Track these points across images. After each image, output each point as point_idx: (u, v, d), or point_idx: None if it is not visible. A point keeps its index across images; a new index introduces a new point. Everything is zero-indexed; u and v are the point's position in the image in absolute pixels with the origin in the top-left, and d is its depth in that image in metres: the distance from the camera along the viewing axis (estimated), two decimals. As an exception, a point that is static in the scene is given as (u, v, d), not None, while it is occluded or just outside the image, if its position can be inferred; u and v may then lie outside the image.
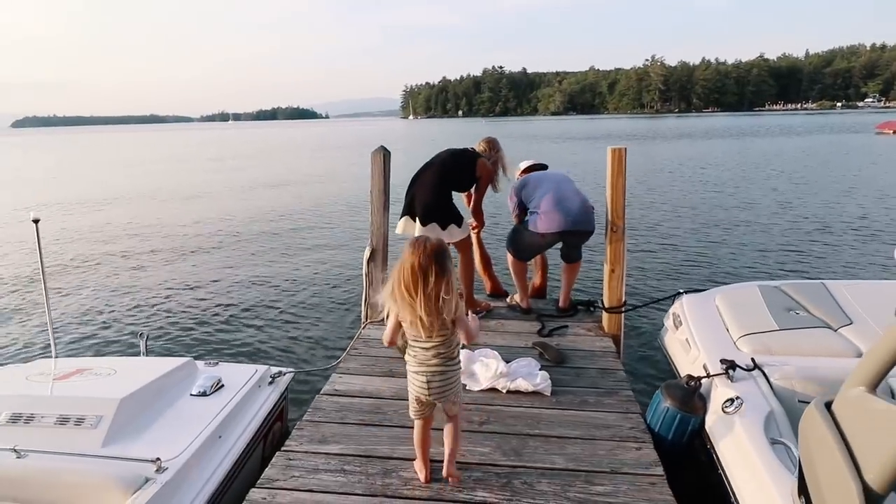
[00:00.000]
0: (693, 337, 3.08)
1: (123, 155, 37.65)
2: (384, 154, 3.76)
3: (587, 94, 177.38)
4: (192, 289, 6.44)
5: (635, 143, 30.85)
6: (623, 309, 3.74)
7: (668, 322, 3.58)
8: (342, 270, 7.02)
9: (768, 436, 2.11)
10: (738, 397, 2.36)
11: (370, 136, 54.84)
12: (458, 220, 3.79)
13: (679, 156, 22.63)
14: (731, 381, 2.50)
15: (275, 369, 3.05)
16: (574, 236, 3.83)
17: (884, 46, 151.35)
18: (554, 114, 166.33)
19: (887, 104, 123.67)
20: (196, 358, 3.08)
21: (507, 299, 4.28)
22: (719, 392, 2.50)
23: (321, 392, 2.90)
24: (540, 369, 3.04)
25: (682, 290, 3.77)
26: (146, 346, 3.32)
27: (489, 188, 4.03)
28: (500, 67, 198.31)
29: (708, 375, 2.60)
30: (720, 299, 3.38)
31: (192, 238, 9.25)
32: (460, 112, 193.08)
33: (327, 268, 7.23)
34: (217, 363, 3.07)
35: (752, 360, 2.59)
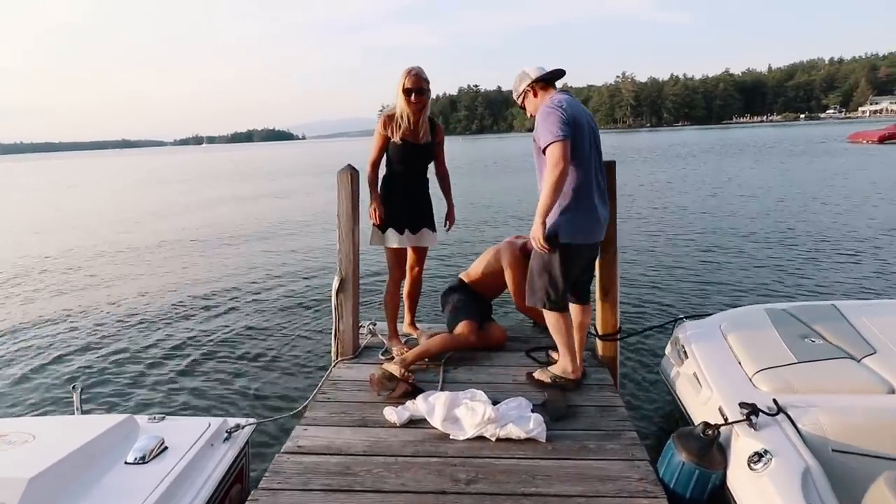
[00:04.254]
0: (703, 373, 2.76)
1: (78, 180, 36.38)
2: (351, 173, 3.41)
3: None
4: (136, 329, 5.66)
5: (618, 161, 30.84)
6: (618, 336, 3.42)
7: (671, 352, 3.25)
8: (310, 303, 6.39)
9: (807, 499, 1.80)
10: (766, 451, 2.06)
11: (341, 154, 54.38)
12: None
13: (662, 173, 22.54)
14: (755, 429, 2.19)
15: (232, 421, 2.64)
16: (594, 251, 2.99)
17: (841, 60, 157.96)
18: (529, 130, 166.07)
19: (848, 115, 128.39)
20: (139, 412, 2.67)
21: (548, 370, 3.05)
22: (742, 443, 2.18)
23: (281, 451, 2.50)
24: (532, 410, 2.70)
25: (682, 316, 3.47)
26: (80, 399, 2.86)
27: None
28: (476, 86, 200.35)
29: (726, 422, 2.29)
30: (726, 326, 3.08)
31: (134, 271, 8.35)
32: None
33: (293, 300, 6.55)
34: (163, 418, 2.65)
35: (775, 401, 2.29)
